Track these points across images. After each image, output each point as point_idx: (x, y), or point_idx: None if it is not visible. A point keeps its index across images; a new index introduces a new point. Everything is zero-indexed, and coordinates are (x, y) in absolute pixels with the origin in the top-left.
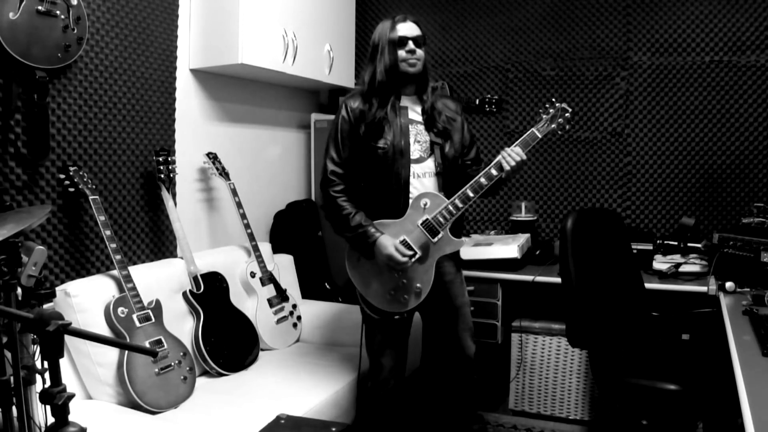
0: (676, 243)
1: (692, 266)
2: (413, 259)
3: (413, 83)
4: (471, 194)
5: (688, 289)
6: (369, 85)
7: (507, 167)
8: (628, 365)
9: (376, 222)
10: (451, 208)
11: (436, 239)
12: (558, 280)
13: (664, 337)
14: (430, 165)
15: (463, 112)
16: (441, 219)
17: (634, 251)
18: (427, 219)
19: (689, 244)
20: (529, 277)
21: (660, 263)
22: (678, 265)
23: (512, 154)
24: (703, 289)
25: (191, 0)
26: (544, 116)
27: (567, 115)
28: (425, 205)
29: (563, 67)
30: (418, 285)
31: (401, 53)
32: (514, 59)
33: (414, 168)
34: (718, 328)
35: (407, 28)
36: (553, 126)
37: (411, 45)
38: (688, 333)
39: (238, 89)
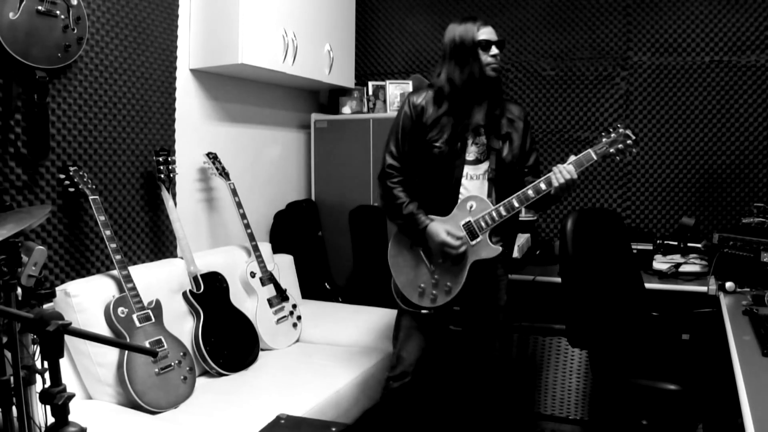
0: (676, 243)
1: (692, 266)
2: (464, 244)
3: (490, 87)
4: (516, 204)
5: (688, 289)
6: (451, 86)
7: (556, 183)
8: (628, 365)
9: None
10: (494, 214)
11: (474, 242)
12: (558, 280)
13: (664, 337)
14: (484, 168)
15: (527, 117)
16: (483, 223)
17: (634, 251)
18: (469, 221)
19: (689, 244)
20: (529, 277)
21: (660, 263)
22: (678, 265)
23: (563, 172)
24: (703, 289)
25: (191, 0)
26: (604, 139)
27: (629, 142)
28: (471, 207)
29: (563, 67)
30: (449, 284)
31: (486, 58)
32: (514, 59)
33: (467, 169)
34: (718, 328)
35: (490, 32)
36: (611, 150)
37: (495, 49)
38: (688, 333)
39: (238, 89)
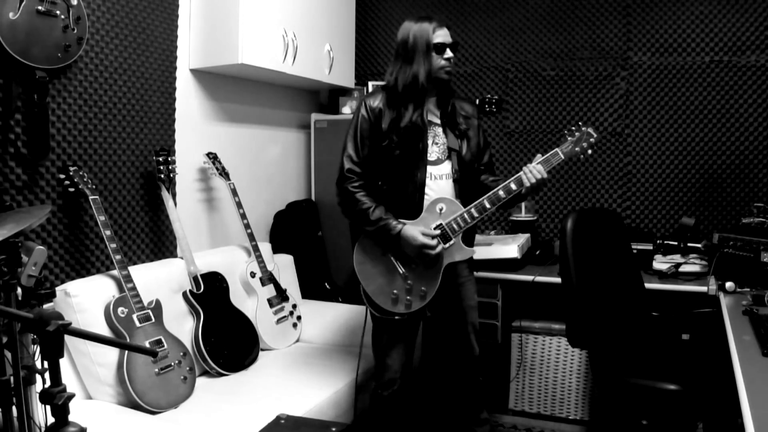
0: (676, 243)
1: (692, 266)
2: (439, 243)
3: (440, 88)
4: (488, 205)
5: (688, 289)
6: (400, 87)
7: (527, 183)
8: (628, 365)
9: None
10: (466, 216)
11: (447, 245)
12: (558, 280)
13: (664, 337)
14: (447, 168)
15: (479, 112)
16: (455, 226)
17: (634, 251)
18: (441, 224)
19: (689, 244)
20: (529, 277)
21: (660, 263)
22: (678, 265)
23: (533, 171)
24: (703, 289)
25: (191, 0)
26: (569, 138)
27: (592, 140)
28: (441, 210)
29: (563, 67)
30: (423, 288)
31: (439, 61)
32: (514, 59)
33: (431, 170)
34: (718, 328)
35: (445, 35)
36: (576, 149)
37: (449, 52)
38: (688, 333)
39: (238, 89)
